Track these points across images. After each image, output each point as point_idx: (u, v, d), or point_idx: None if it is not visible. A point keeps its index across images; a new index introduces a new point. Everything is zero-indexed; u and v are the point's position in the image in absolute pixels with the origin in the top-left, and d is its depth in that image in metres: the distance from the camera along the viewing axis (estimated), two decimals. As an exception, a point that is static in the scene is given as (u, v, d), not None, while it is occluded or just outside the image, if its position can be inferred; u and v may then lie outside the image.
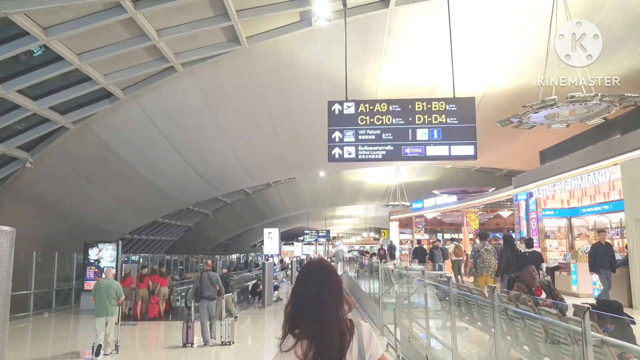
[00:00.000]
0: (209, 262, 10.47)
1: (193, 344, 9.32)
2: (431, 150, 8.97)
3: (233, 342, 9.53)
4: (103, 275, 10.45)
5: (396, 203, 26.57)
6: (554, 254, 13.66)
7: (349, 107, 9.17)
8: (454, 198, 20.33)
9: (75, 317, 14.75)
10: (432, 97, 9.16)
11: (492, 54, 11.26)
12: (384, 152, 9.03)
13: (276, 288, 18.32)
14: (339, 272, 34.54)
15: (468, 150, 8.90)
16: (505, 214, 24.81)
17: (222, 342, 9.41)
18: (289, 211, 35.51)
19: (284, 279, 23.78)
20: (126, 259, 22.86)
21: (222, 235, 36.90)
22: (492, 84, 12.07)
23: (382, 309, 9.90)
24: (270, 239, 20.78)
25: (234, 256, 43.21)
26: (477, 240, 14.51)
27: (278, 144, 16.22)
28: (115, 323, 8.81)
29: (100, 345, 8.32)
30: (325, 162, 20.41)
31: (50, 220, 15.61)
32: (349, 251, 47.82)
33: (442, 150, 8.95)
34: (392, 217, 26.58)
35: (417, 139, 9.00)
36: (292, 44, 10.89)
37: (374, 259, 16.82)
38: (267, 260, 48.40)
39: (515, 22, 10.37)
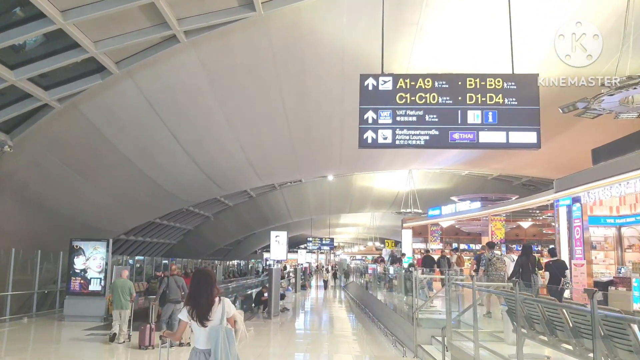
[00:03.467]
0: (174, 266, 11.01)
1: (154, 346, 9.32)
2: (485, 137, 7.41)
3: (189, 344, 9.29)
4: (119, 276, 11.16)
5: (408, 210, 25.13)
6: (600, 267, 12.05)
7: (385, 82, 7.62)
8: (477, 204, 18.67)
9: (58, 323, 13.08)
10: (487, 73, 7.57)
11: (544, 37, 9.65)
12: (427, 138, 7.47)
13: (282, 297, 16.63)
14: (344, 282, 33.02)
15: (530, 137, 7.35)
16: (525, 224, 23.26)
17: (181, 343, 9.37)
18: (293, 217, 33.97)
19: (289, 287, 22.05)
20: (131, 260, 21.35)
21: (222, 240, 35.27)
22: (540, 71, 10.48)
23: (416, 326, 8.26)
24: (278, 242, 19.14)
25: (234, 262, 41.55)
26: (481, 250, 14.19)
27: (290, 138, 14.63)
28: (129, 316, 10.12)
29: (115, 334, 9.83)
30: (338, 163, 18.97)
31: (34, 214, 14.01)
32: (352, 260, 46.27)
33: (499, 136, 7.40)
34: (404, 225, 24.97)
35: (468, 122, 7.44)
36: (314, 14, 9.38)
37: (396, 266, 15.19)
38: (269, 266, 46.71)
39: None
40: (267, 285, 15.33)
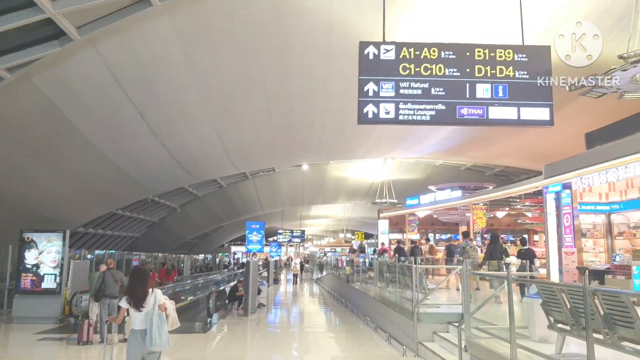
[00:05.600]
0: (110, 260, 10.67)
1: (92, 342, 9.27)
2: (495, 112, 6.82)
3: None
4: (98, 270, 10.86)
5: (384, 200, 24.69)
6: (589, 255, 11.74)
7: (387, 50, 6.90)
8: (457, 193, 18.25)
9: (6, 326, 11.67)
10: (496, 44, 6.93)
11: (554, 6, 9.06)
12: (433, 113, 6.80)
13: (259, 292, 15.68)
14: (318, 275, 32.30)
15: (542, 113, 6.83)
16: (501, 214, 23.15)
17: (125, 338, 8.50)
18: (265, 208, 32.99)
19: (263, 281, 21.02)
20: (88, 255, 19.83)
21: (189, 233, 33.93)
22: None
23: (416, 321, 7.55)
24: (254, 234, 18.16)
25: (201, 256, 40.19)
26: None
27: (269, 121, 13.68)
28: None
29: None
30: (317, 149, 18.11)
31: (-19, 203, 12.60)
32: (324, 254, 45.76)
33: (509, 112, 6.84)
34: (381, 215, 24.42)
35: (477, 96, 6.82)
36: (302, -21, 8.51)
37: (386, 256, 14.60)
38: (236, 259, 45.15)
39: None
40: (242, 280, 14.38)
